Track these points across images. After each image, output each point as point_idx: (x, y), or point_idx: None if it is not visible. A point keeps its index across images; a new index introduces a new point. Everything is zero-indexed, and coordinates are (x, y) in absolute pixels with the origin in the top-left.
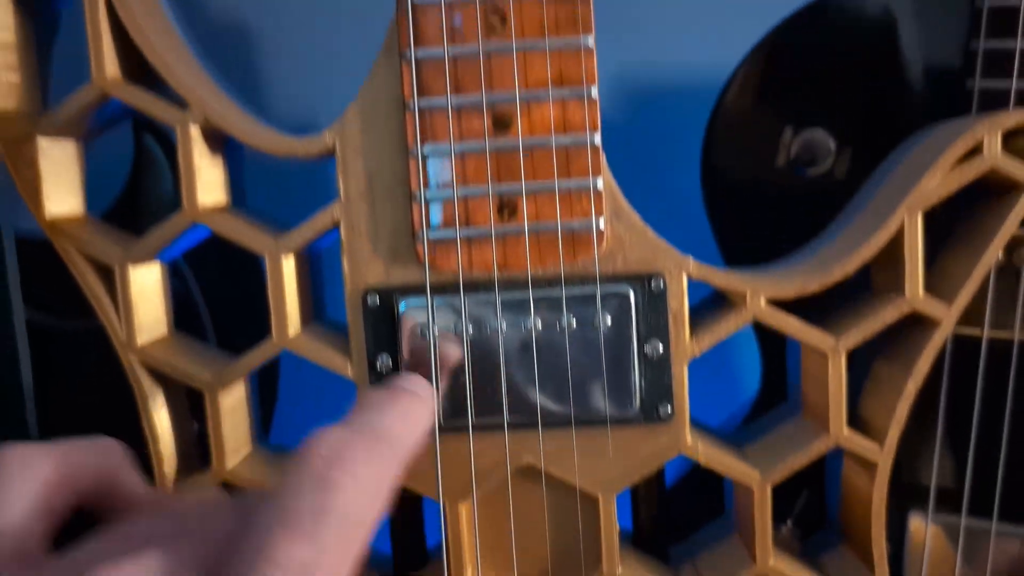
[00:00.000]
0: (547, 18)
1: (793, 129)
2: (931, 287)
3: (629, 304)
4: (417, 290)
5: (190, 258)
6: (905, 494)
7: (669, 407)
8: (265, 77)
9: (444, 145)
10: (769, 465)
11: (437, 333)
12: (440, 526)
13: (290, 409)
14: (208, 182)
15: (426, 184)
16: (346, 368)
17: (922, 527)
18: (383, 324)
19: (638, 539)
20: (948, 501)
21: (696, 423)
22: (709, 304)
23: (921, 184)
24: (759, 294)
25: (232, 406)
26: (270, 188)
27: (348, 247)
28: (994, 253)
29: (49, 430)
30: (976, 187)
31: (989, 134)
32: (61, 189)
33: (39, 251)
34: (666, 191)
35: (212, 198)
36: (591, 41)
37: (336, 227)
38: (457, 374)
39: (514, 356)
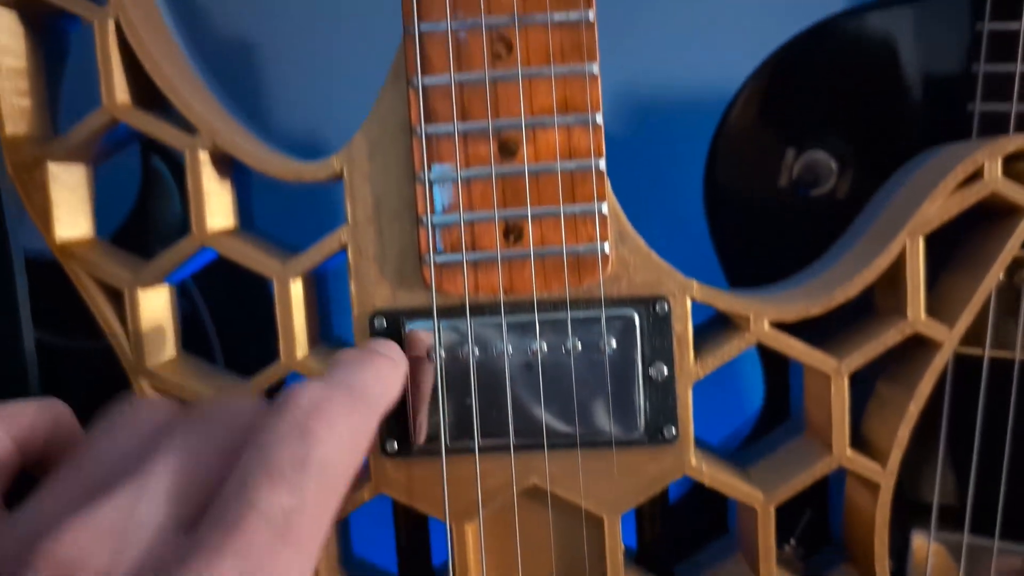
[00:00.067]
0: (552, 46)
1: (795, 150)
2: (932, 310)
3: (634, 327)
4: (424, 313)
5: (198, 278)
6: (908, 511)
7: (673, 429)
8: (269, 92)
9: (451, 170)
10: (773, 486)
11: (443, 355)
12: (447, 546)
13: None
14: (217, 206)
15: (433, 209)
16: None
17: (925, 544)
18: None
19: (642, 557)
20: (950, 519)
21: (700, 443)
22: (713, 325)
23: (922, 209)
24: (763, 317)
25: None
26: (277, 207)
27: (355, 270)
28: (995, 277)
29: None
30: (977, 209)
31: (989, 159)
32: (71, 213)
33: (48, 271)
34: (669, 208)
35: (221, 221)
36: (596, 68)
37: (343, 250)
38: (463, 396)
39: (520, 378)
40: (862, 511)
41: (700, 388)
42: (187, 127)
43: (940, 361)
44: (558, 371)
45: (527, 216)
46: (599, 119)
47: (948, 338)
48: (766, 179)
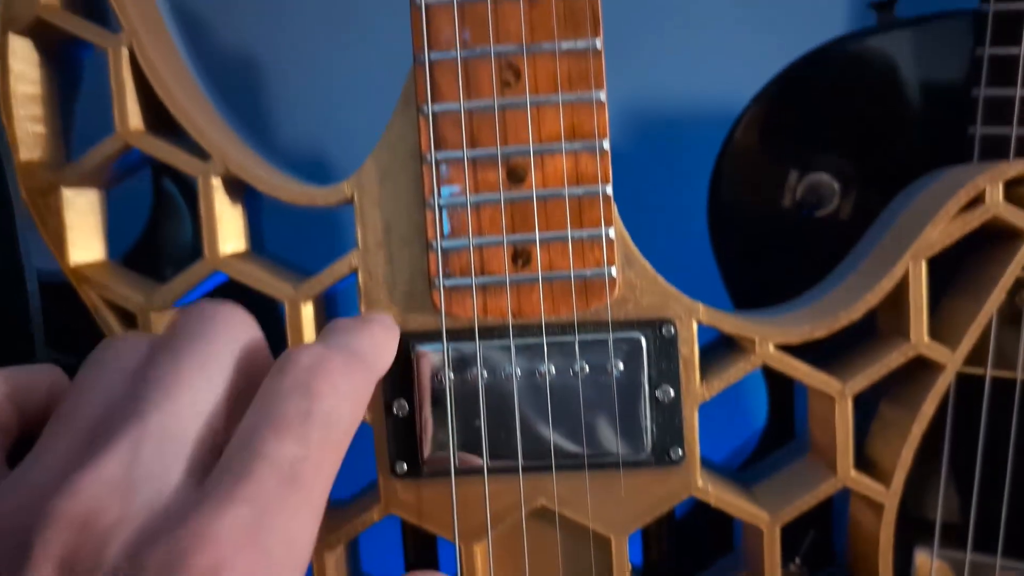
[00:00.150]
0: (560, 73)
1: (799, 172)
2: (935, 332)
3: (641, 350)
4: (433, 336)
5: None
6: (911, 529)
7: (680, 450)
8: (277, 113)
9: (460, 196)
10: (778, 506)
11: (452, 377)
12: (455, 567)
13: None
14: (229, 230)
15: (442, 234)
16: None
17: (928, 562)
18: (400, 369)
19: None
20: (953, 536)
21: (705, 461)
22: (718, 346)
23: (925, 233)
24: (768, 340)
25: None
26: (288, 229)
27: (365, 294)
28: (997, 300)
29: None
30: (978, 233)
31: (991, 184)
32: (84, 237)
33: (62, 292)
34: (673, 229)
35: (233, 245)
36: (603, 95)
37: (354, 273)
38: (472, 418)
39: (528, 401)
40: (866, 531)
41: (704, 405)
42: (200, 153)
43: (943, 383)
44: (566, 393)
45: (535, 241)
46: (606, 145)
47: (951, 360)
48: (770, 200)
